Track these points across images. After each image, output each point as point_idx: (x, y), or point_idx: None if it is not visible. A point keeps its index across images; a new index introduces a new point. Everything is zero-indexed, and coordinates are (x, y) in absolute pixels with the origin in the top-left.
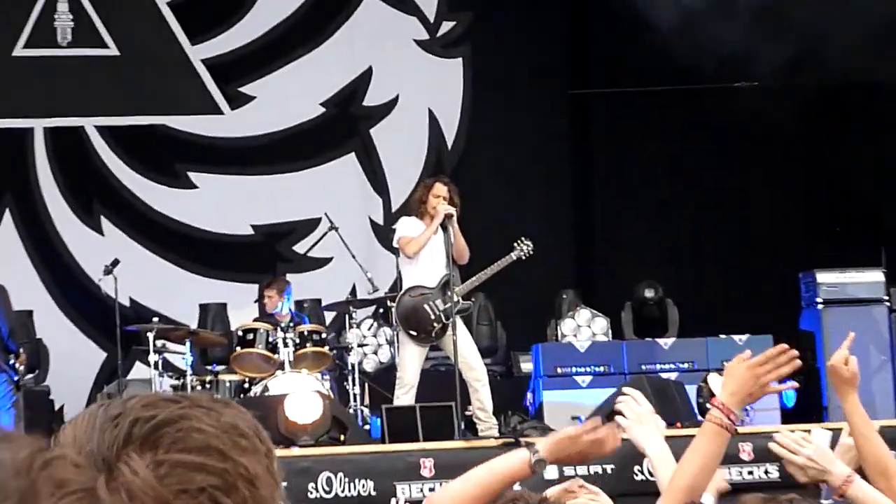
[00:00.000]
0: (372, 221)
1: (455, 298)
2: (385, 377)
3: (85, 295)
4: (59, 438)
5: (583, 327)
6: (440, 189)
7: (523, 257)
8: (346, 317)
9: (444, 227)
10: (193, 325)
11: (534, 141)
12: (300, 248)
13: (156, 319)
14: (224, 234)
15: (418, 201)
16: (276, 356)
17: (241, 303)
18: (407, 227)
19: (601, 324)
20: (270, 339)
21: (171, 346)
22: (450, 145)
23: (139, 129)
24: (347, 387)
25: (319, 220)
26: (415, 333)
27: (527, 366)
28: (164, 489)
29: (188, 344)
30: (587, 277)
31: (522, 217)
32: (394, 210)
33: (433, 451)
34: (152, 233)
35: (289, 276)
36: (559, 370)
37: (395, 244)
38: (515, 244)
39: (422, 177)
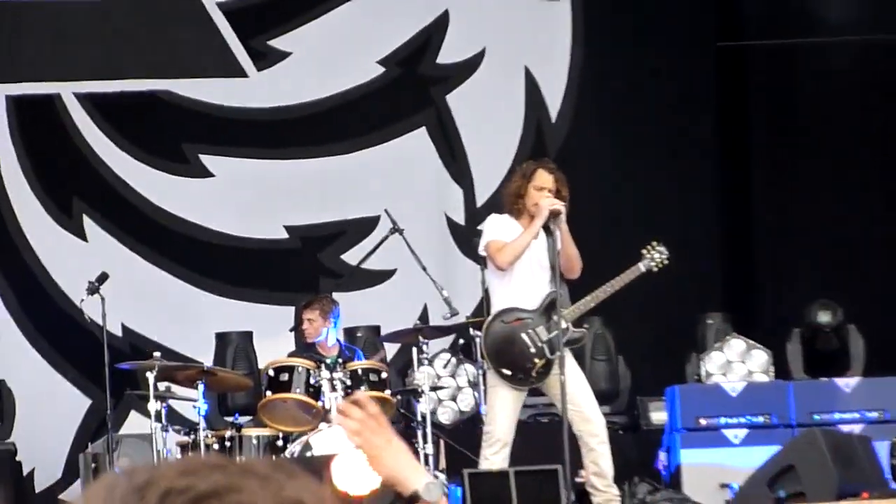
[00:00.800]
0: (449, 221)
1: (563, 325)
2: (467, 432)
3: (62, 321)
4: None
5: (735, 363)
6: (543, 178)
7: (655, 269)
8: (415, 350)
9: (547, 228)
10: (208, 362)
11: (668, 113)
12: (351, 257)
13: (157, 354)
14: (249, 238)
15: (513, 195)
16: (319, 403)
17: (272, 331)
18: (498, 229)
19: (760, 358)
20: (312, 381)
21: (178, 389)
22: (553, 117)
23: (134, 98)
24: (417, 445)
25: (377, 219)
26: (509, 373)
27: (659, 416)
28: None
29: (201, 387)
30: (740, 297)
31: (652, 215)
32: (479, 205)
33: None
34: (152, 237)
35: (336, 296)
36: (703, 422)
37: (481, 251)
38: (645, 251)
39: (517, 160)
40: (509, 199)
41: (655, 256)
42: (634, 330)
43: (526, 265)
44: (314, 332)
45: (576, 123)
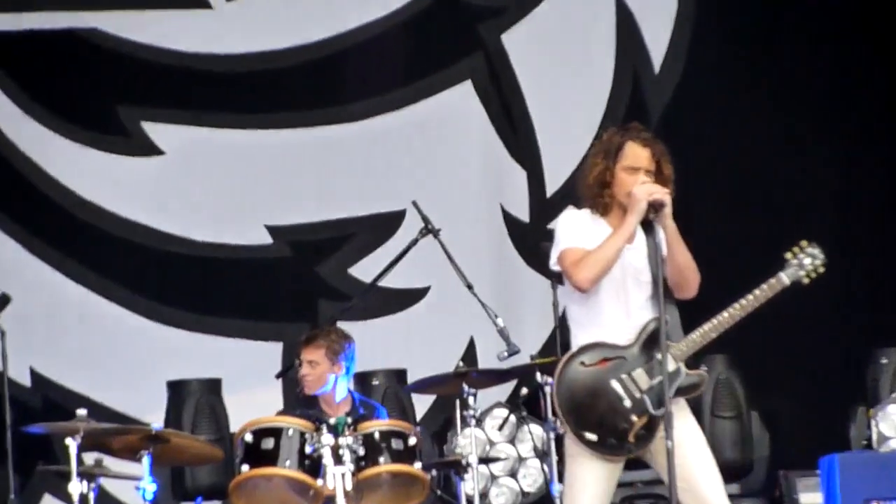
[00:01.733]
0: (507, 216)
1: (672, 366)
2: None
3: None
4: None
5: None
6: (636, 154)
7: (805, 280)
8: (458, 404)
9: (646, 226)
10: (158, 423)
11: (817, 61)
12: (364, 271)
13: (83, 412)
14: (216, 244)
15: (596, 182)
16: (318, 483)
17: (250, 379)
18: (575, 232)
19: None
20: (309, 450)
21: (113, 463)
22: (657, 67)
23: (46, 40)
24: None
25: (402, 215)
26: (594, 438)
27: (811, 499)
28: None
29: (147, 460)
30: None
31: (795, 207)
32: (550, 194)
33: None
34: (76, 244)
35: (344, 326)
36: None
37: (553, 265)
38: (790, 255)
39: (604, 129)
40: (590, 189)
41: (805, 262)
42: (775, 373)
43: (617, 282)
44: (317, 380)
45: (688, 76)
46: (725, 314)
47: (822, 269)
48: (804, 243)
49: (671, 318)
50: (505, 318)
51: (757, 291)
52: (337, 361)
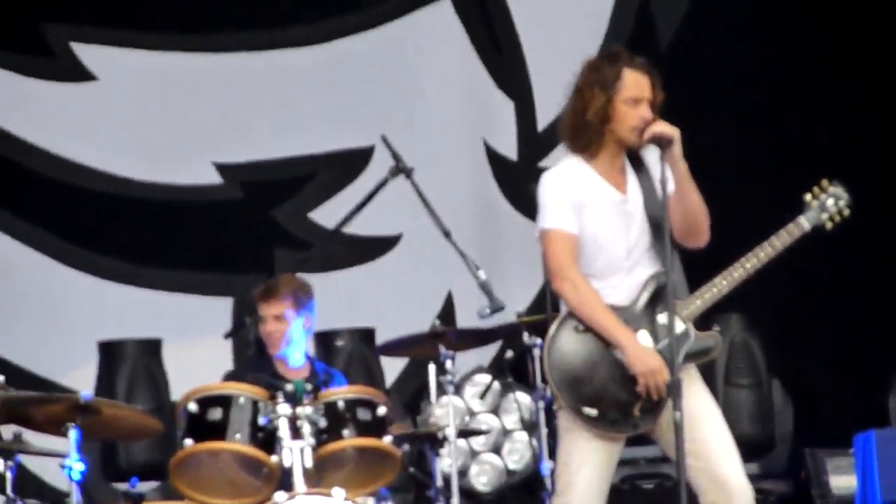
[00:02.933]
0: (491, 154)
1: (680, 327)
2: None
3: None
4: None
5: None
6: (637, 82)
7: (828, 224)
8: (432, 369)
9: (637, 167)
10: (88, 391)
11: None
12: (326, 215)
13: (0, 378)
14: (157, 184)
15: (593, 119)
16: (273, 459)
17: (194, 339)
18: (563, 204)
19: None
20: (262, 422)
21: (34, 438)
22: None
23: None
24: None
25: (370, 152)
26: (594, 413)
27: (842, 481)
28: None
29: (75, 434)
30: None
31: (823, 148)
32: (541, 128)
33: None
34: None
35: (305, 278)
36: None
37: (536, 236)
38: (809, 196)
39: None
40: (588, 126)
41: (828, 204)
42: (799, 335)
43: (613, 233)
44: (272, 340)
45: (697, 5)
46: (738, 267)
47: (847, 212)
48: (826, 183)
49: (677, 275)
50: (488, 269)
51: (773, 239)
52: (305, 313)
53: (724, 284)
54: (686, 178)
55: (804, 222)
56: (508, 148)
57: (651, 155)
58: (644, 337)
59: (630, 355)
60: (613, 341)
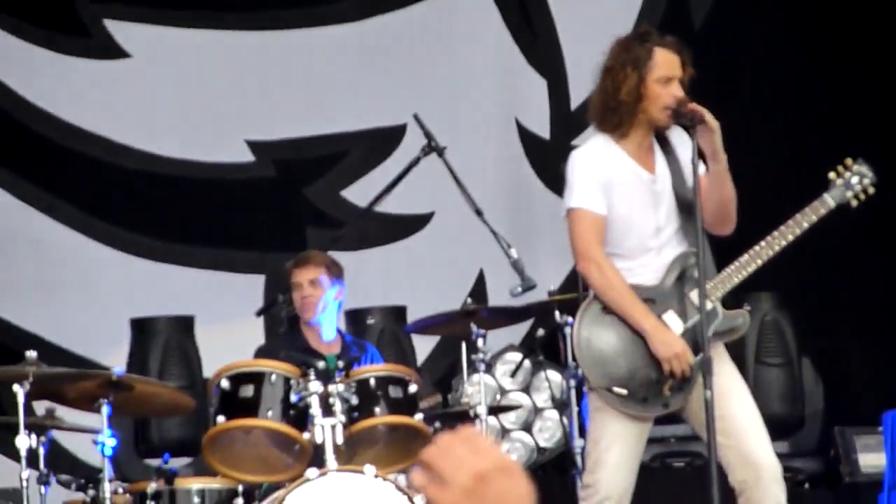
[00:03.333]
0: (523, 132)
1: (708, 305)
2: (552, 483)
3: None
4: None
5: None
6: (668, 61)
7: (853, 201)
8: (464, 347)
9: (665, 149)
10: (120, 367)
11: None
12: (358, 194)
13: (32, 354)
14: (189, 162)
15: (631, 95)
16: (305, 437)
17: (226, 316)
18: (591, 183)
19: None
20: (294, 398)
21: (67, 414)
22: None
23: None
24: None
25: (403, 130)
26: (624, 392)
27: (873, 460)
28: None
29: (107, 410)
30: None
31: (855, 128)
32: (574, 107)
33: None
34: (25, 159)
35: (337, 257)
36: None
37: (562, 214)
38: (833, 175)
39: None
40: (620, 106)
41: (853, 182)
42: (830, 314)
43: (643, 212)
44: (320, 302)
45: None
46: (764, 244)
47: (871, 190)
48: (850, 161)
49: (707, 253)
50: (520, 248)
51: (798, 216)
52: (337, 284)
53: (752, 264)
54: (724, 170)
55: (829, 200)
56: (541, 127)
57: (677, 136)
58: (672, 317)
59: (654, 340)
60: (637, 326)
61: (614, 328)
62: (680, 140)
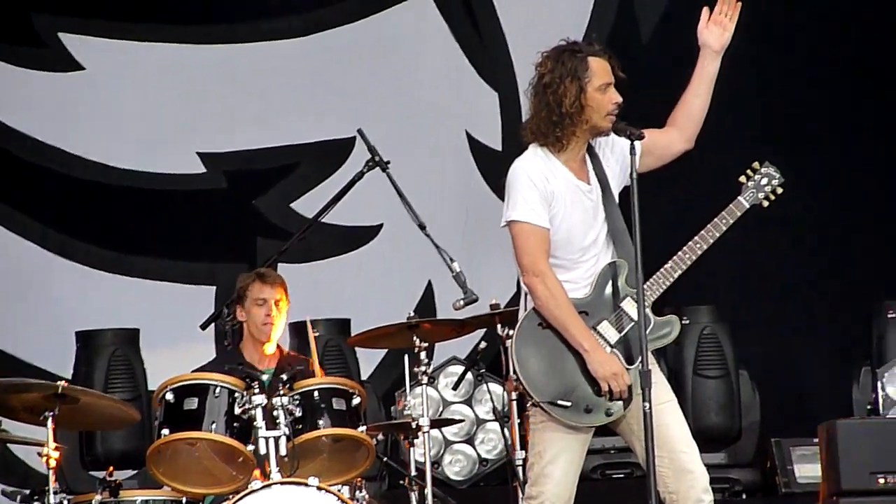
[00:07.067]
0: (474, 144)
1: (645, 315)
2: (493, 495)
3: None
4: None
5: None
6: (605, 68)
7: (765, 203)
8: (407, 360)
9: (592, 158)
10: (65, 379)
11: None
12: (307, 205)
13: None
14: (140, 173)
15: (574, 105)
16: (249, 449)
17: (173, 329)
18: (533, 194)
19: None
20: (238, 411)
21: (12, 426)
22: None
23: None
24: None
25: (352, 142)
26: (567, 403)
27: (808, 470)
28: None
29: (52, 422)
30: None
31: (796, 143)
32: (526, 117)
33: None
34: None
35: (284, 269)
36: (882, 481)
37: (502, 224)
38: (744, 177)
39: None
40: (557, 122)
41: (763, 183)
42: (767, 327)
43: (585, 219)
44: (277, 321)
45: None
46: (687, 250)
47: (780, 190)
48: (757, 164)
49: (629, 261)
50: (473, 260)
51: (716, 220)
52: (289, 303)
53: (677, 269)
54: (710, 81)
55: (743, 202)
56: (492, 139)
57: (602, 144)
58: (606, 327)
59: (592, 360)
60: (575, 344)
61: (552, 342)
62: (603, 142)
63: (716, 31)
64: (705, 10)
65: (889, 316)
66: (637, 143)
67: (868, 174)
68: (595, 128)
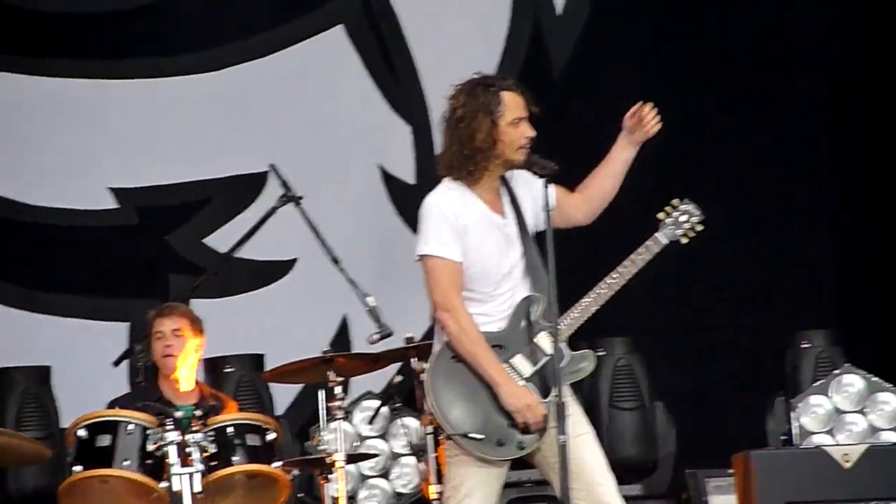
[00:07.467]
0: (388, 178)
1: (561, 348)
2: None
3: None
4: None
5: (848, 415)
6: (518, 103)
7: (683, 239)
8: (322, 395)
9: (505, 185)
10: None
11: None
12: (220, 240)
13: None
14: (50, 208)
15: (486, 141)
16: (161, 486)
17: (84, 365)
18: (446, 230)
19: (891, 405)
20: (151, 448)
21: None
22: (559, 7)
23: None
24: None
25: (265, 176)
26: (479, 436)
27: (722, 500)
28: None
29: None
30: (860, 307)
31: (710, 173)
32: (440, 150)
33: None
34: None
35: (197, 305)
36: None
37: (416, 258)
38: (663, 213)
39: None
40: (470, 156)
41: (681, 220)
42: (682, 359)
43: (500, 252)
44: (178, 351)
45: (595, 18)
46: (604, 285)
47: (699, 227)
48: (677, 201)
49: (545, 295)
50: (388, 294)
51: (634, 256)
52: (198, 337)
53: (591, 303)
54: (624, 166)
55: (661, 238)
56: (406, 172)
57: (516, 177)
58: (521, 361)
59: (503, 393)
60: (488, 379)
61: (465, 375)
62: (520, 180)
63: (640, 129)
64: (640, 103)
65: (802, 346)
66: (550, 187)
67: (780, 205)
68: (508, 161)
